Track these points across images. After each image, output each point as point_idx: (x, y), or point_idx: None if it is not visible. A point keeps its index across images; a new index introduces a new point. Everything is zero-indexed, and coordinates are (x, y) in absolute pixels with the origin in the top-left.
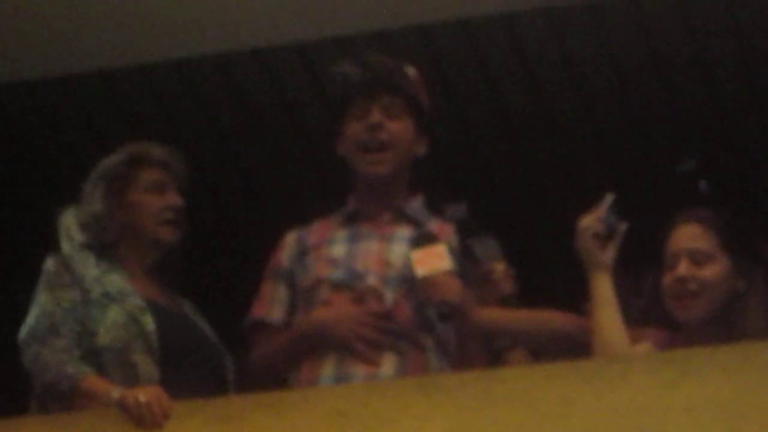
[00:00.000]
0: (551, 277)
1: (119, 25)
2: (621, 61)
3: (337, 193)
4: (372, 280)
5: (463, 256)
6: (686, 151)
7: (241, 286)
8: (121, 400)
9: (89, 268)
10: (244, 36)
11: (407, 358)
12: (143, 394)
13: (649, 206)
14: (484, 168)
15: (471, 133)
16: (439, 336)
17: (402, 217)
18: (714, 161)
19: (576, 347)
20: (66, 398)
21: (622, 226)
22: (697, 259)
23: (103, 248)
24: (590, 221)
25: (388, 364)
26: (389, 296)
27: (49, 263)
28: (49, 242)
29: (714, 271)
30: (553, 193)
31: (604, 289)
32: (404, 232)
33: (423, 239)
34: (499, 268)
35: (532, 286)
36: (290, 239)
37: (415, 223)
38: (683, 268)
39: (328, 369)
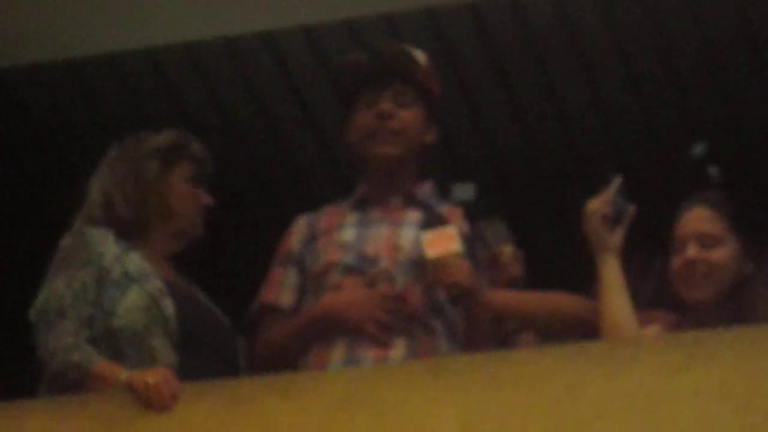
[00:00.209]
0: (559, 260)
1: (125, 8)
2: (630, 45)
3: (345, 178)
4: (383, 264)
5: (472, 239)
6: (695, 134)
7: (247, 271)
8: (129, 383)
9: (109, 245)
10: (251, 19)
11: (417, 342)
12: (151, 377)
13: (657, 189)
14: (493, 151)
15: (479, 116)
16: (449, 320)
17: (412, 202)
18: (724, 145)
19: (585, 330)
20: (73, 386)
21: (630, 209)
22: (706, 242)
23: (125, 226)
24: (598, 204)
25: (398, 348)
26: (400, 280)
27: (67, 240)
28: (54, 224)
29: (723, 254)
30: (561, 176)
31: (612, 272)
32: (414, 216)
33: (433, 221)
34: (507, 250)
35: (540, 269)
36: (300, 224)
37: (424, 208)
38: (692, 251)
39: (337, 353)
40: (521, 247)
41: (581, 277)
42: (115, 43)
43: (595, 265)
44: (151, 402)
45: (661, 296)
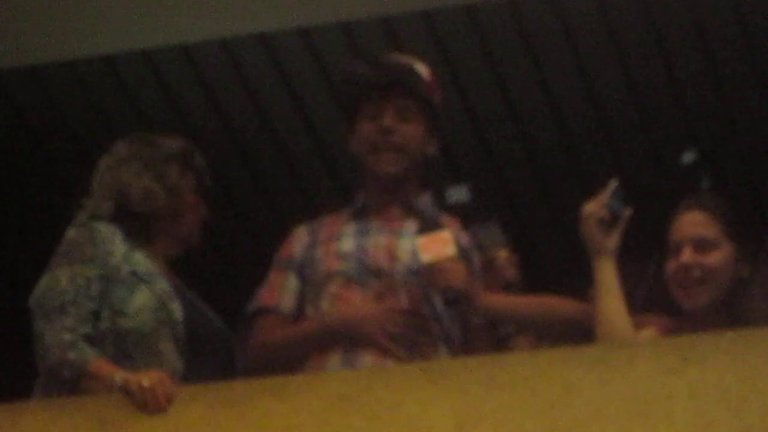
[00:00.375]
0: (555, 264)
1: (123, 10)
2: (626, 48)
3: (341, 178)
4: (384, 275)
5: (470, 248)
6: (690, 138)
7: (244, 275)
8: (124, 385)
9: (117, 243)
10: (249, 21)
11: (418, 350)
12: (146, 379)
13: (652, 192)
14: (488, 154)
15: (475, 119)
16: (446, 328)
17: (411, 211)
18: (715, 153)
19: (581, 333)
20: (68, 384)
21: (627, 212)
22: (701, 246)
23: (136, 223)
24: (594, 207)
25: (399, 354)
26: (400, 290)
27: (72, 233)
28: (50, 223)
29: (718, 258)
30: (557, 179)
31: (607, 275)
32: (413, 226)
33: (428, 226)
34: (502, 254)
35: (535, 273)
36: (301, 232)
37: (423, 217)
38: (687, 255)
39: (335, 357)
40: (517, 251)
41: (576, 281)
42: (112, 45)
43: (591, 268)
44: (145, 404)
45: (656, 299)
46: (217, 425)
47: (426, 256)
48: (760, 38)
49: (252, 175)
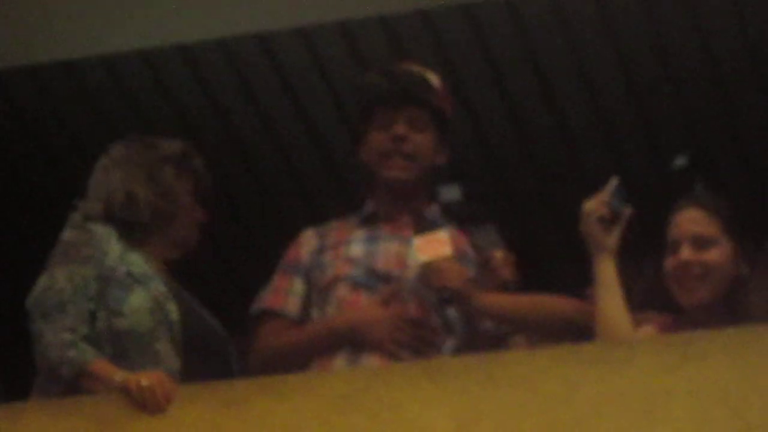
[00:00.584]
0: (553, 263)
1: (121, 10)
2: (624, 46)
3: (342, 184)
4: (394, 282)
5: (478, 264)
6: (688, 137)
7: (242, 275)
8: (124, 384)
9: (112, 244)
10: (246, 21)
11: (425, 357)
12: (146, 379)
13: (651, 190)
14: (487, 153)
15: (472, 119)
16: (455, 336)
17: (420, 220)
18: (714, 151)
19: (579, 332)
20: (67, 383)
21: (627, 210)
22: (700, 243)
23: (131, 226)
24: (595, 205)
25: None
26: (409, 298)
27: (68, 234)
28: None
29: (717, 255)
30: (555, 178)
31: (607, 272)
32: None
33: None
34: (499, 255)
35: (534, 272)
36: (309, 236)
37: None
38: (686, 252)
39: (340, 360)
40: (515, 250)
41: (575, 280)
42: (111, 44)
43: (589, 267)
44: (145, 404)
45: (655, 297)
46: (217, 425)
47: (423, 256)
48: (762, 36)
49: (251, 176)
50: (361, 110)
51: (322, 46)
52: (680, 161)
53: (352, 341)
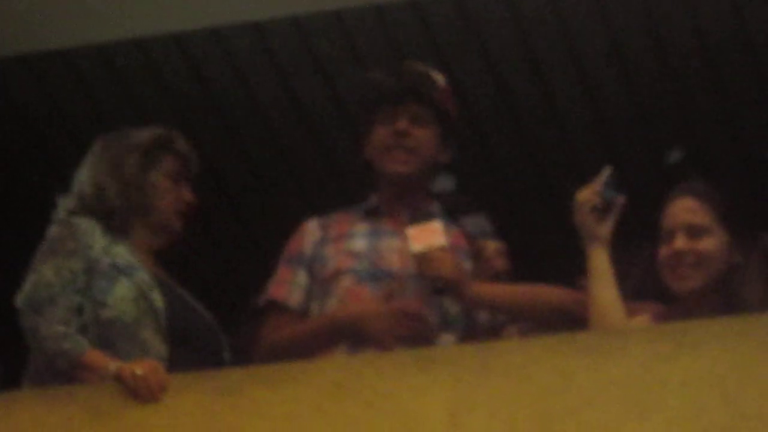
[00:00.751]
0: (546, 253)
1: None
2: (619, 37)
3: (336, 171)
4: (397, 277)
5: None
6: (683, 129)
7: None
8: (118, 374)
9: (96, 237)
10: (240, 9)
11: None
12: (139, 368)
13: (644, 179)
14: (480, 143)
15: (466, 109)
16: (455, 333)
17: (422, 216)
18: (703, 149)
19: (573, 321)
20: (62, 375)
21: (620, 200)
22: (694, 232)
23: (113, 218)
24: (588, 194)
25: None
26: (412, 293)
27: (54, 229)
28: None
29: (711, 244)
30: (548, 168)
31: (601, 262)
32: None
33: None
34: (491, 246)
35: (527, 262)
36: (312, 227)
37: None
38: (680, 241)
39: (339, 353)
40: (508, 240)
41: (568, 270)
42: (104, 33)
43: (582, 257)
44: (139, 393)
45: (648, 286)
46: (211, 414)
47: (416, 246)
48: (758, 31)
49: (245, 165)
50: (365, 109)
51: (316, 35)
52: (674, 155)
53: (354, 335)
